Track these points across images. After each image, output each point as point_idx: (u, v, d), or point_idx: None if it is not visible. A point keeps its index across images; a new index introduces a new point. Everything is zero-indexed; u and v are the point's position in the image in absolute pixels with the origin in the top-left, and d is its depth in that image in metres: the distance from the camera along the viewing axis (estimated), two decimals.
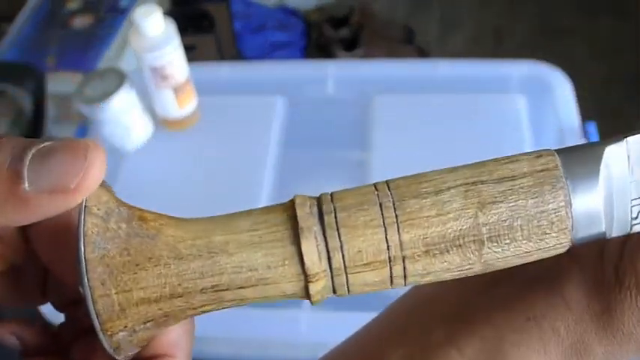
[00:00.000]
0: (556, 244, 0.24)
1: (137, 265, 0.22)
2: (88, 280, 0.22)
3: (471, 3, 2.05)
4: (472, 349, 0.28)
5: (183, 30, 1.00)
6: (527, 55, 1.08)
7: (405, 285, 0.24)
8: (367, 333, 0.33)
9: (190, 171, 0.99)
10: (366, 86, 1.03)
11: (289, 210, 0.23)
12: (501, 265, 0.24)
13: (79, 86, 0.95)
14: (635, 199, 0.24)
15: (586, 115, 0.95)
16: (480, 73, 1.02)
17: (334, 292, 0.24)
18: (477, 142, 0.94)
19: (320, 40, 1.84)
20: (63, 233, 0.24)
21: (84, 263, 0.22)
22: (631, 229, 0.24)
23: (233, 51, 1.72)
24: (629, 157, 0.24)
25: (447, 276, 0.24)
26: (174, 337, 0.25)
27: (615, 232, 0.24)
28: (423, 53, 1.81)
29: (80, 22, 1.35)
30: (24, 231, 0.25)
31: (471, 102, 1.00)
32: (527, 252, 0.23)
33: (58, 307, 0.28)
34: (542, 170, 0.23)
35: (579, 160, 0.24)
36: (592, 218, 0.24)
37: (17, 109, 1.15)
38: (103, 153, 0.22)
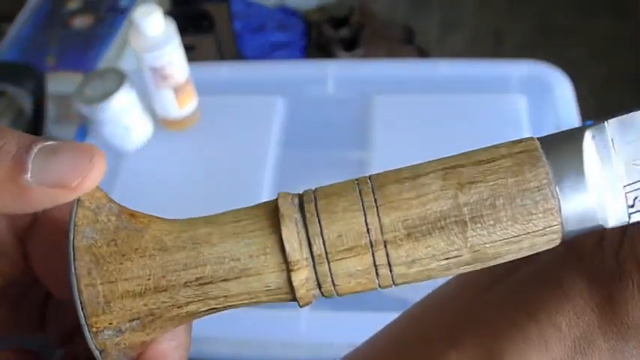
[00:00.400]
0: (545, 226, 0.23)
1: (123, 255, 0.23)
2: (75, 268, 0.22)
3: (471, 3, 2.05)
4: (471, 350, 0.27)
5: (183, 30, 1.00)
6: (527, 55, 1.08)
7: (393, 280, 0.23)
8: (383, 338, 0.33)
9: (190, 171, 0.98)
10: (366, 86, 1.03)
11: (273, 203, 0.24)
12: (492, 252, 0.23)
13: (79, 86, 0.95)
14: (628, 185, 0.23)
15: (586, 115, 0.95)
16: (479, 73, 1.02)
17: (319, 286, 0.23)
18: (477, 142, 0.93)
19: (320, 40, 1.84)
20: (59, 248, 0.24)
21: (72, 251, 0.22)
22: (629, 217, 0.23)
23: (233, 51, 1.72)
24: (612, 140, 0.23)
25: (435, 266, 0.23)
26: (164, 348, 0.25)
27: (612, 221, 0.23)
28: (423, 53, 1.81)
29: (80, 22, 1.35)
30: (23, 247, 0.26)
31: (471, 102, 1.00)
32: (515, 236, 0.23)
33: (57, 342, 0.28)
34: (520, 152, 0.23)
35: (559, 143, 0.23)
36: (582, 204, 0.23)
37: (17, 109, 1.15)
38: (105, 159, 0.24)
